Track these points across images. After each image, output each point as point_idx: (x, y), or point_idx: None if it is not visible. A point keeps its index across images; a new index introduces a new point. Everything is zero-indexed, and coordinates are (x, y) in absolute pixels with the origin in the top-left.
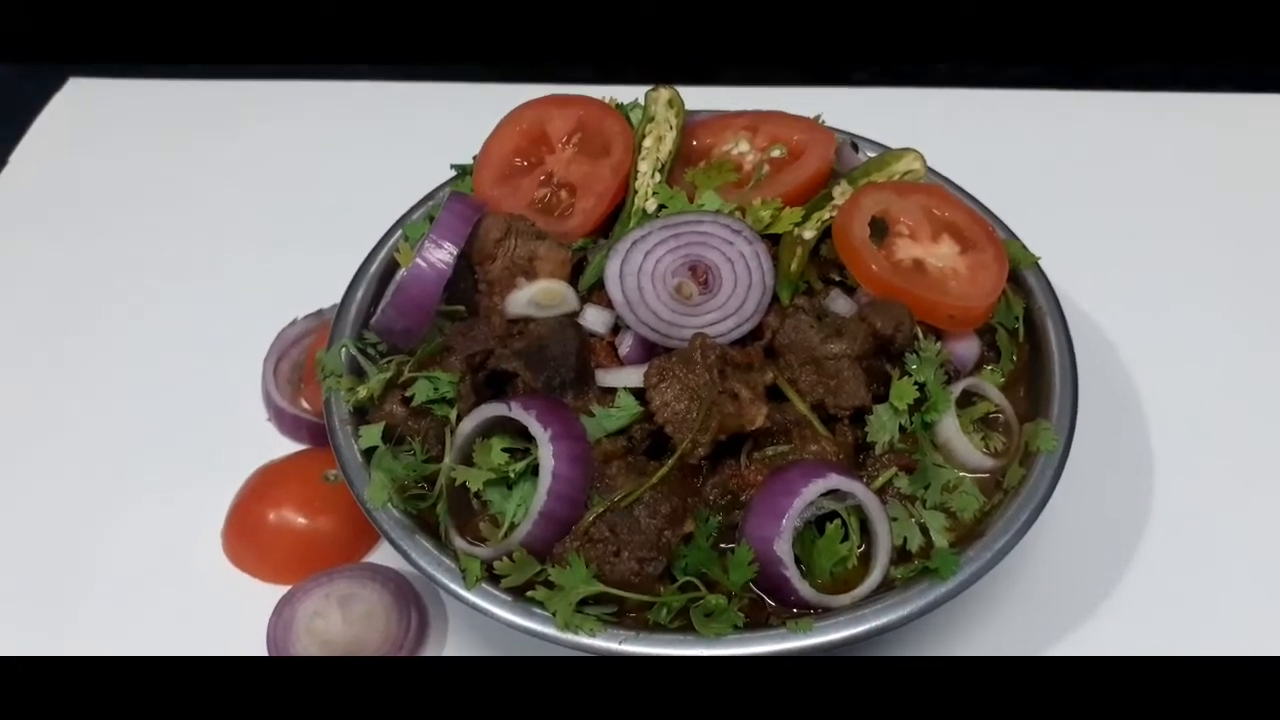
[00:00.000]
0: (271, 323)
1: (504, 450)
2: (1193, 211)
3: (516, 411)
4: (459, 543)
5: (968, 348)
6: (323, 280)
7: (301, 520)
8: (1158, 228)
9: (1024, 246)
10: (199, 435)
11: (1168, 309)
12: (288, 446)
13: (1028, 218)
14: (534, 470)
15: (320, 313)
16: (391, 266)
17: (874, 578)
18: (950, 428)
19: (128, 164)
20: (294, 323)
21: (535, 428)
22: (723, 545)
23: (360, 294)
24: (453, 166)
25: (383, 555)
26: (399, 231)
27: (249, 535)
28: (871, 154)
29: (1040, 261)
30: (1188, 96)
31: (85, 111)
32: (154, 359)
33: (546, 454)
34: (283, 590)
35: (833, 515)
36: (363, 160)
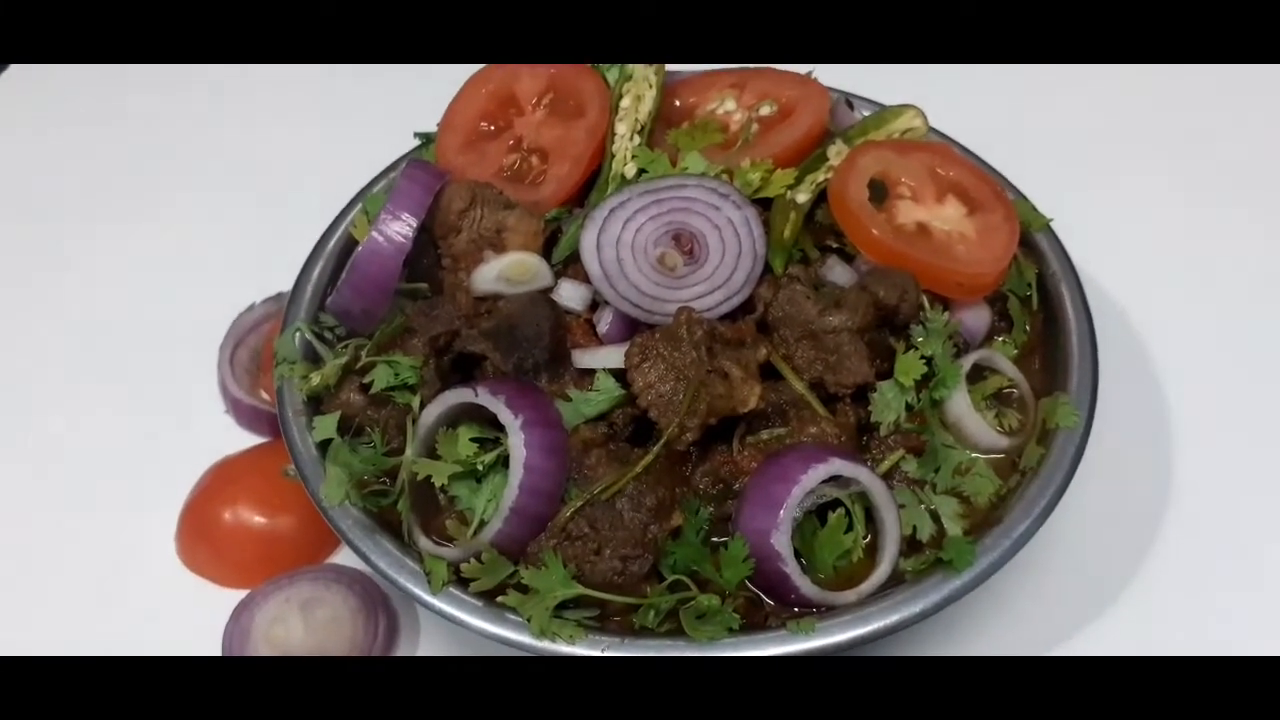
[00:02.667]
0: (228, 308)
1: (472, 440)
2: (1215, 172)
3: (484, 397)
4: (423, 543)
5: (978, 317)
6: (282, 261)
7: (259, 519)
8: (1176, 189)
9: (1034, 208)
10: (151, 430)
11: (1189, 274)
12: (247, 440)
13: (1036, 178)
14: (505, 462)
15: (280, 296)
16: (350, 243)
17: (882, 571)
18: (961, 405)
19: (72, 149)
20: (251, 307)
21: (505, 414)
22: (715, 539)
23: (316, 273)
24: (416, 134)
25: (348, 556)
26: (359, 205)
27: (203, 536)
28: (868, 112)
29: (1052, 224)
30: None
31: (28, 97)
32: (103, 349)
33: (518, 443)
34: (241, 595)
35: (835, 504)
36: (326, 133)
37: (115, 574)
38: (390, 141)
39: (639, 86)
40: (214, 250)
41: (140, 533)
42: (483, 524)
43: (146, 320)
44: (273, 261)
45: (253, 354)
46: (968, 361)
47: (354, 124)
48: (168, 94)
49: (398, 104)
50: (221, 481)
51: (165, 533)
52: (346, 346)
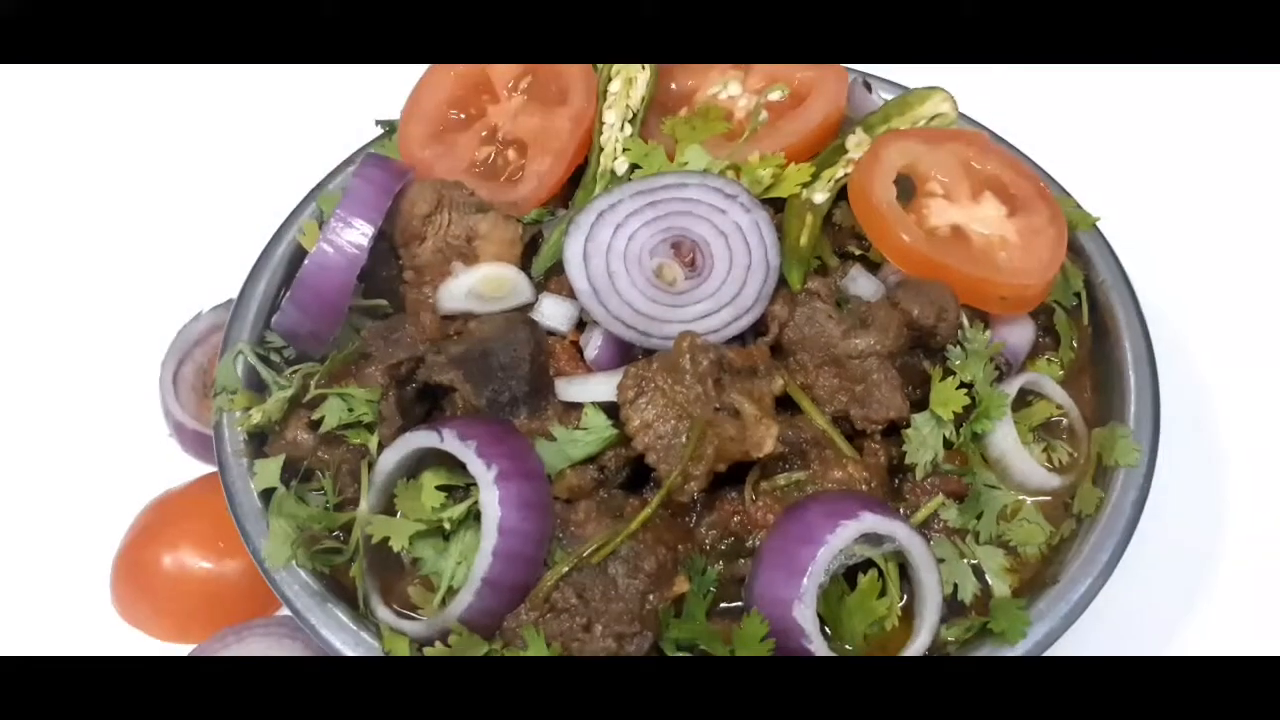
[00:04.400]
0: (172, 317)
1: (440, 489)
2: None
3: (450, 443)
4: (382, 614)
5: (1021, 334)
6: (234, 264)
7: (204, 564)
8: (1239, 186)
9: (1078, 205)
10: (85, 458)
11: (1254, 280)
12: (195, 468)
13: (1079, 170)
14: (477, 515)
15: (230, 304)
16: (303, 249)
17: (920, 642)
18: (1007, 439)
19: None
20: (199, 316)
21: (475, 465)
22: (724, 605)
23: (263, 285)
24: (378, 123)
25: None
26: (312, 205)
27: (140, 583)
28: (888, 95)
29: (1099, 224)
30: None
31: None
32: (29, 364)
33: (490, 500)
34: (182, 651)
35: (866, 563)
36: (287, 118)
37: (40, 625)
38: (357, 128)
39: (630, 69)
40: (156, 251)
41: (70, 578)
42: (451, 591)
43: (80, 331)
44: (223, 263)
45: (199, 370)
46: (1012, 386)
47: (318, 108)
48: (103, 85)
49: (365, 86)
50: (161, 521)
51: (99, 578)
52: (295, 374)
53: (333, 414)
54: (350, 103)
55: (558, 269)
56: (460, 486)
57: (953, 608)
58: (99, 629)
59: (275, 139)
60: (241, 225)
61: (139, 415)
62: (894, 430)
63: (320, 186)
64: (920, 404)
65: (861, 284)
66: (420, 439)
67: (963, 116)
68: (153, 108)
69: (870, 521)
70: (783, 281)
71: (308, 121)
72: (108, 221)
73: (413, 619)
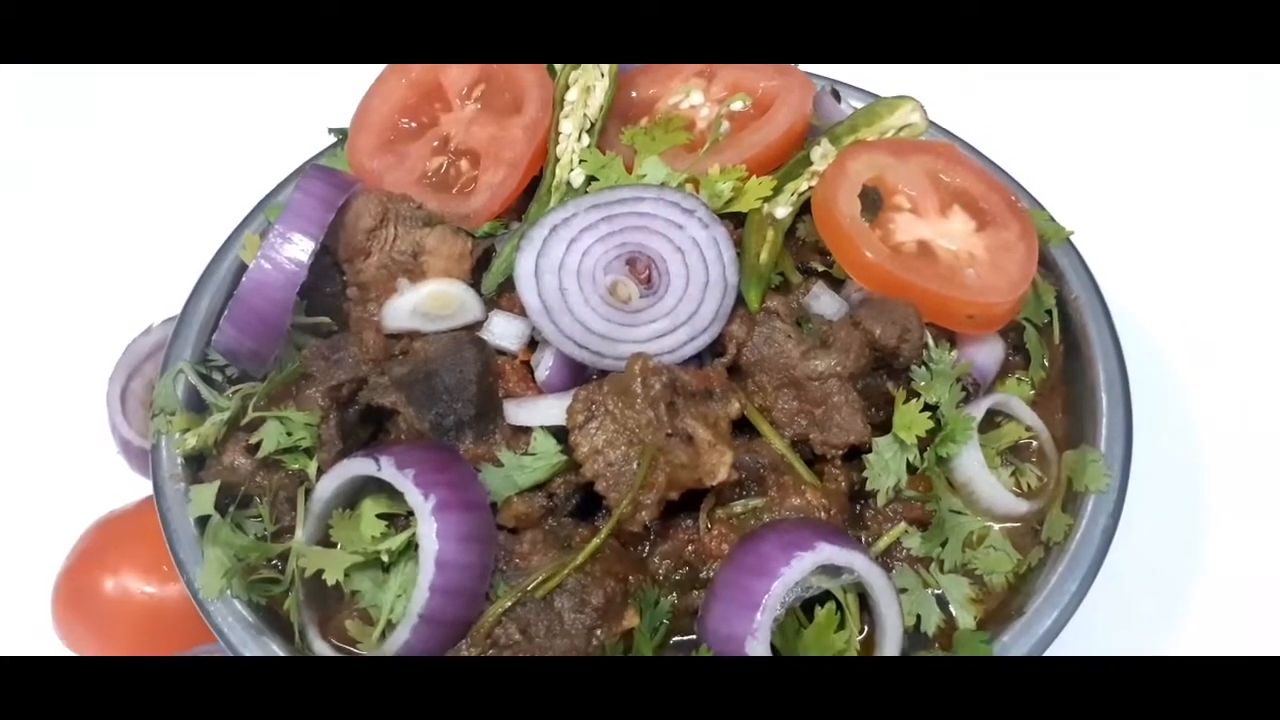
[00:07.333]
0: (122, 330)
1: (380, 517)
2: (1268, 178)
3: (388, 471)
4: (319, 648)
5: (989, 354)
6: (188, 275)
7: (147, 589)
8: (1217, 197)
9: (1051, 218)
10: (29, 475)
11: (1233, 296)
12: (143, 486)
13: (1053, 183)
14: (418, 546)
15: None
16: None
17: None
18: (972, 464)
19: None
20: (149, 330)
21: (413, 495)
22: (677, 639)
23: (206, 302)
24: (331, 130)
25: None
26: (259, 217)
27: (81, 608)
28: (857, 103)
29: (1072, 238)
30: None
31: None
32: None
33: (428, 533)
34: None
35: (824, 595)
36: (243, 125)
37: None
38: (312, 136)
39: (589, 76)
40: (106, 261)
41: (10, 601)
42: (391, 625)
43: (26, 342)
44: (176, 274)
45: (149, 385)
46: (979, 408)
47: (275, 114)
48: (53, 87)
49: (324, 92)
50: (104, 543)
51: (41, 602)
52: (235, 394)
53: (270, 438)
54: (319, 105)
55: (510, 285)
56: (403, 514)
57: (915, 640)
58: (40, 653)
59: (238, 142)
60: (198, 234)
61: (86, 431)
62: (855, 455)
63: (268, 198)
64: (883, 427)
65: (824, 301)
66: (357, 466)
67: (933, 125)
68: (111, 108)
69: (827, 552)
70: (741, 301)
71: (273, 124)
72: (57, 229)
73: (352, 653)
